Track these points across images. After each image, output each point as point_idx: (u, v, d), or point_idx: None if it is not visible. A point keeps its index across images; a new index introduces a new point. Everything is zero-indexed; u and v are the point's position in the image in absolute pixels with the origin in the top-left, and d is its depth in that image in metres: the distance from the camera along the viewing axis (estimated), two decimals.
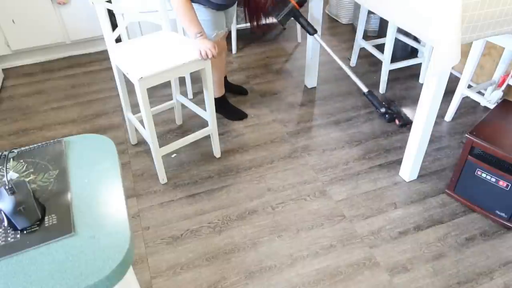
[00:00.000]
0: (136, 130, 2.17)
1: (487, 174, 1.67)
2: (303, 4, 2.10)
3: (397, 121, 1.99)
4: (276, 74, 2.86)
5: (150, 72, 1.65)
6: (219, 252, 1.64)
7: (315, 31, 2.18)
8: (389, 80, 2.68)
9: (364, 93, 2.07)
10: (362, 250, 1.63)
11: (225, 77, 2.56)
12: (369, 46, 2.76)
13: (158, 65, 1.68)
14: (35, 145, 0.98)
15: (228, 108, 2.40)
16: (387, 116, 2.00)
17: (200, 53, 1.72)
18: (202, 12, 1.92)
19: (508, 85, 2.17)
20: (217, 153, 2.12)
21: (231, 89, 2.60)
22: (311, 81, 2.67)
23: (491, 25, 1.45)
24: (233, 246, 1.67)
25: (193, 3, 1.91)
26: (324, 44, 2.15)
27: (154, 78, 1.67)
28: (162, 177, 1.96)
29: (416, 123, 1.78)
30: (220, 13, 2.01)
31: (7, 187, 0.76)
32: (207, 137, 2.17)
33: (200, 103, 2.51)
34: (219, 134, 2.26)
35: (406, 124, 1.99)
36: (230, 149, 2.18)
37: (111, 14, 2.34)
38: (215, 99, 2.30)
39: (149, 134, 1.82)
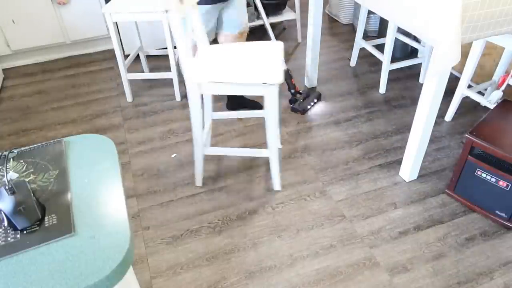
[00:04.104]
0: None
1: (487, 174, 1.67)
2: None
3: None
4: None
5: (209, 78, 1.53)
6: (219, 252, 1.64)
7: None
8: (389, 80, 2.67)
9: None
10: (362, 250, 1.63)
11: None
12: (369, 46, 2.76)
13: (221, 74, 1.57)
14: (35, 145, 0.98)
15: (244, 102, 2.42)
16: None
17: None
18: (201, 7, 1.89)
19: (508, 85, 2.17)
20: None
21: (246, 104, 2.44)
22: (311, 81, 2.67)
23: (491, 25, 1.45)
24: (233, 246, 1.67)
25: None
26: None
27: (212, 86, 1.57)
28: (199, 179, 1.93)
29: (416, 123, 1.78)
30: (214, 11, 1.99)
31: (7, 187, 0.76)
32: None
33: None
34: (220, 134, 2.26)
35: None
36: None
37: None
38: (232, 97, 2.31)
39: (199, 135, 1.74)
